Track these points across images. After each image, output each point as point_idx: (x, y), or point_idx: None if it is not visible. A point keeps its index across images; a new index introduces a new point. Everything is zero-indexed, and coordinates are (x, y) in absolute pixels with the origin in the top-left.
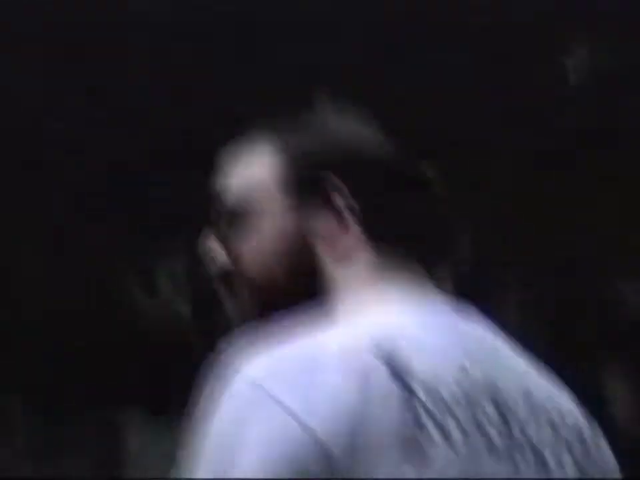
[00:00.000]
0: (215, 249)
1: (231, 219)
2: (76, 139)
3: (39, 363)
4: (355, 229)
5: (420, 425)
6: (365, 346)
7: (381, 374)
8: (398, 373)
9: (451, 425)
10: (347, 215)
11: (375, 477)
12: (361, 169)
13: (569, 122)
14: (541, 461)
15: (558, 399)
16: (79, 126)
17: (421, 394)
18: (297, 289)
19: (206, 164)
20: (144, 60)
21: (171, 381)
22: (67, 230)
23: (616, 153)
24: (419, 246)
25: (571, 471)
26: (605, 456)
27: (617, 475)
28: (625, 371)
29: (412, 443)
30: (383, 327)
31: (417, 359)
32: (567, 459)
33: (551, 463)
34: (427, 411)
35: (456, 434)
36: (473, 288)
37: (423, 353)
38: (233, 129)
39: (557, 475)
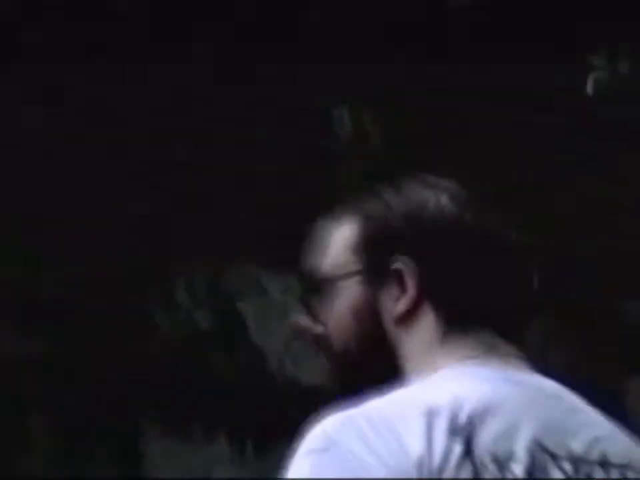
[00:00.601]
0: (306, 321)
1: (317, 293)
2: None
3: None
4: (413, 295)
5: None
6: (439, 409)
7: (442, 433)
8: (465, 439)
9: None
10: (411, 285)
11: None
12: (434, 236)
13: None
14: None
15: (629, 447)
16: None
17: (489, 466)
18: (369, 359)
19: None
20: None
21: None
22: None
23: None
24: (494, 311)
25: None
26: None
27: None
28: None
29: None
30: (455, 392)
31: (489, 428)
32: None
33: None
34: (492, 475)
35: None
36: None
37: (494, 421)
38: None
39: None
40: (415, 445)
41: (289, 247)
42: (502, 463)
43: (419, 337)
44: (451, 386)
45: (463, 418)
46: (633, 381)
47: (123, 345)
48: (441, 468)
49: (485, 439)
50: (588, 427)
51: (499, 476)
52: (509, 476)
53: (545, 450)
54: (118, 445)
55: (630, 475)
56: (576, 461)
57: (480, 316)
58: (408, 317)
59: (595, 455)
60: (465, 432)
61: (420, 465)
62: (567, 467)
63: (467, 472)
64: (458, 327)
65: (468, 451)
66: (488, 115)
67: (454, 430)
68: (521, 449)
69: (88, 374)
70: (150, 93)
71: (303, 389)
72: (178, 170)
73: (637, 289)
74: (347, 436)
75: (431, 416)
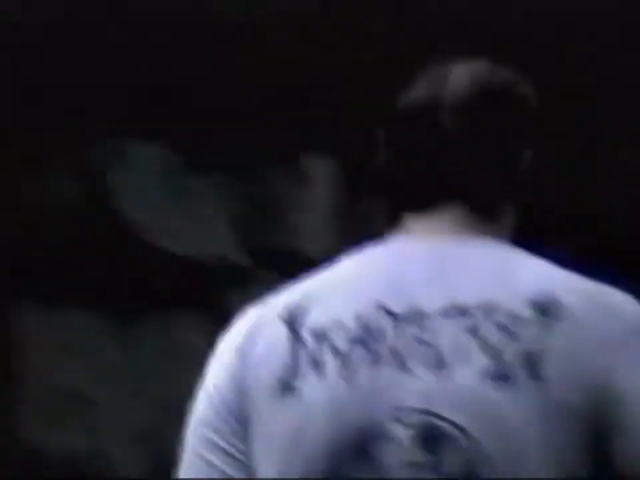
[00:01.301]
0: None
1: None
2: None
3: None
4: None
5: (295, 364)
6: (277, 305)
7: (274, 328)
8: (292, 325)
9: (329, 360)
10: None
11: (256, 412)
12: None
13: None
14: (438, 355)
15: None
16: None
17: (307, 339)
18: None
19: None
20: None
21: None
22: None
23: None
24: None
25: (473, 358)
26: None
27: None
28: None
29: (284, 382)
30: (302, 288)
31: (313, 311)
32: (472, 348)
33: (449, 355)
34: (307, 351)
35: (330, 365)
36: None
37: (321, 305)
38: None
39: (452, 364)
40: (244, 342)
41: (160, 118)
42: (320, 334)
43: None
44: (305, 284)
45: (297, 312)
46: None
47: None
48: (266, 359)
49: (310, 320)
50: (471, 284)
51: (313, 347)
52: (325, 344)
53: (384, 311)
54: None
55: (481, 316)
56: (418, 314)
57: (448, 193)
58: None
59: (451, 305)
60: (292, 318)
61: (245, 357)
62: (404, 320)
63: (294, 353)
64: (423, 202)
65: (294, 335)
66: None
67: (287, 325)
68: (349, 318)
69: None
70: None
71: (173, 259)
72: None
73: None
74: (229, 334)
75: (267, 312)
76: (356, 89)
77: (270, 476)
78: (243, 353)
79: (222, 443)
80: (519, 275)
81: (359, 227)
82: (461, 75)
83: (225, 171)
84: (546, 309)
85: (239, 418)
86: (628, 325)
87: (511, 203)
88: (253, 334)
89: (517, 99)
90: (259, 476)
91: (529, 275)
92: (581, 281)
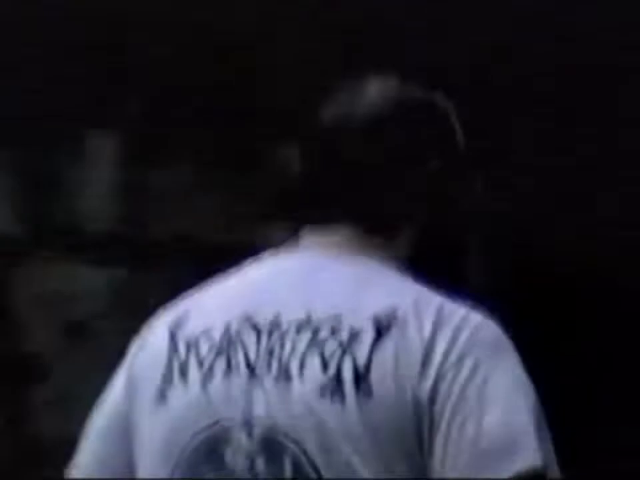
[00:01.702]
0: None
1: None
2: None
3: None
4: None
5: (169, 373)
6: (167, 315)
7: (160, 336)
8: (171, 334)
9: (192, 369)
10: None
11: (136, 420)
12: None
13: None
14: (285, 368)
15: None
16: None
17: (181, 349)
18: None
19: None
20: None
21: None
22: None
23: None
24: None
25: (312, 372)
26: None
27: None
28: None
29: (160, 391)
30: (191, 298)
31: (192, 321)
32: (314, 362)
33: (294, 368)
34: (179, 361)
35: (194, 374)
36: None
37: (201, 314)
38: None
39: (294, 377)
40: (135, 349)
41: None
42: (192, 344)
43: None
44: (197, 295)
45: (180, 321)
46: None
47: None
48: (149, 368)
49: (187, 329)
50: (328, 300)
51: (184, 356)
52: (193, 354)
53: (249, 323)
54: None
55: (323, 334)
56: (276, 327)
57: (341, 212)
58: None
59: (304, 319)
60: (175, 327)
61: (133, 365)
62: (264, 332)
63: (169, 363)
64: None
65: (172, 344)
66: None
67: (173, 326)
68: (217, 328)
69: None
70: None
71: None
72: None
73: None
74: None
75: (157, 322)
76: (142, 64)
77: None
78: (133, 364)
79: (111, 455)
80: (371, 292)
81: (147, 204)
82: (371, 93)
83: (7, 146)
84: (383, 324)
85: (126, 430)
86: (461, 335)
87: (411, 222)
88: (142, 344)
89: (425, 117)
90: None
91: (381, 291)
92: (429, 295)
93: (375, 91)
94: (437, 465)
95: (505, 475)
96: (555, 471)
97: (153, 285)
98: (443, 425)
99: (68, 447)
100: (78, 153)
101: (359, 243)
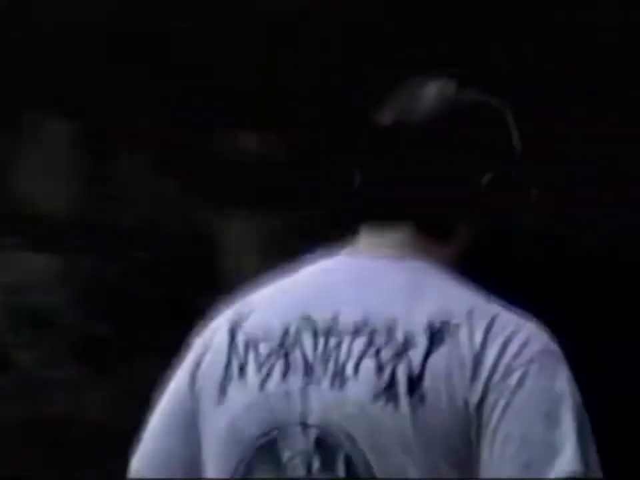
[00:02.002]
0: None
1: None
2: None
3: None
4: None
5: (230, 372)
6: (228, 313)
7: (221, 335)
8: (232, 333)
9: (251, 368)
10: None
11: (202, 417)
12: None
13: None
14: (341, 370)
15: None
16: None
17: (240, 348)
18: None
19: None
20: None
21: None
22: None
23: None
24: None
25: (367, 375)
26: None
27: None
28: None
29: (222, 388)
30: (251, 297)
31: (252, 320)
32: (369, 365)
33: (349, 370)
34: (239, 360)
35: (252, 375)
36: None
37: (260, 314)
38: None
39: (350, 379)
40: (199, 346)
41: None
42: (250, 344)
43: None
44: (257, 294)
45: (240, 319)
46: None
47: None
48: (212, 363)
49: (247, 328)
50: (385, 303)
51: (243, 356)
52: (251, 354)
53: (308, 324)
54: None
55: (378, 337)
56: (334, 330)
57: (399, 212)
58: None
59: (361, 324)
60: (236, 325)
61: (198, 360)
62: (322, 334)
63: (227, 360)
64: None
65: (232, 343)
66: None
67: (230, 331)
68: (277, 329)
69: None
70: None
71: None
72: None
73: None
74: (196, 338)
75: (220, 321)
76: (95, 47)
77: (210, 474)
78: (199, 363)
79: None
80: (426, 297)
81: (103, 189)
82: (429, 96)
83: None
84: (436, 331)
85: (189, 424)
86: (510, 347)
87: (468, 225)
88: (207, 344)
89: (482, 120)
90: (205, 475)
91: (436, 297)
92: (483, 304)
93: (433, 93)
94: (483, 473)
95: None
96: (597, 473)
97: (110, 271)
98: (489, 435)
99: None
100: (33, 139)
101: (415, 245)
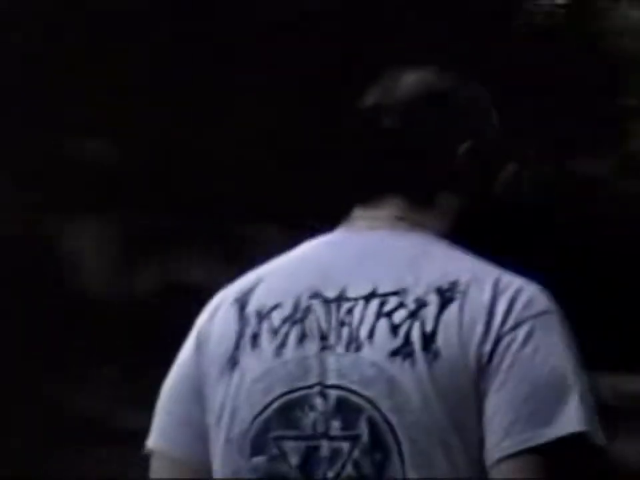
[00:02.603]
0: None
1: None
2: None
3: None
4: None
5: (239, 341)
6: (234, 288)
7: (228, 307)
8: (241, 305)
9: (265, 337)
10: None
11: (205, 385)
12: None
13: None
14: (355, 336)
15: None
16: None
17: (251, 319)
18: None
19: None
20: None
21: None
22: None
23: None
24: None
25: (382, 337)
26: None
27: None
28: None
29: (232, 357)
30: (256, 272)
31: (261, 293)
32: (383, 329)
33: (363, 335)
34: (252, 330)
35: (267, 343)
36: None
37: (268, 288)
38: None
39: (365, 342)
40: (204, 320)
41: None
42: (263, 315)
43: None
44: (262, 268)
45: (247, 293)
46: None
47: None
48: (219, 335)
49: (257, 301)
50: (392, 272)
51: (255, 326)
52: (265, 324)
53: (318, 296)
54: None
55: (392, 300)
56: (344, 299)
57: (388, 185)
58: None
59: (371, 291)
60: (244, 298)
61: (203, 332)
62: (333, 305)
63: (240, 331)
64: (371, 195)
65: (242, 314)
66: None
67: (237, 305)
68: (288, 301)
69: None
70: None
71: None
72: None
73: None
74: (201, 313)
75: (226, 293)
76: None
77: (220, 441)
78: (202, 333)
79: (181, 410)
80: (431, 264)
81: None
82: (408, 80)
83: None
84: (446, 293)
85: (197, 391)
86: (518, 302)
87: (450, 191)
88: (212, 314)
89: (459, 99)
90: (211, 442)
91: (440, 263)
92: (485, 267)
93: (412, 78)
94: (485, 423)
95: (548, 438)
96: (599, 437)
97: None
98: (496, 385)
99: None
100: None
101: (407, 217)
